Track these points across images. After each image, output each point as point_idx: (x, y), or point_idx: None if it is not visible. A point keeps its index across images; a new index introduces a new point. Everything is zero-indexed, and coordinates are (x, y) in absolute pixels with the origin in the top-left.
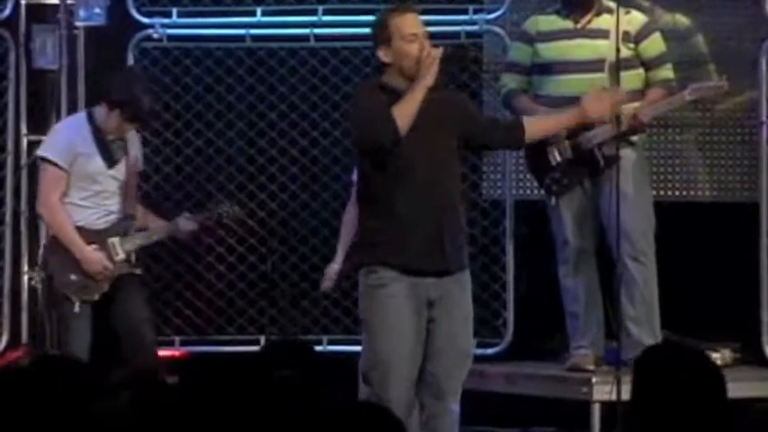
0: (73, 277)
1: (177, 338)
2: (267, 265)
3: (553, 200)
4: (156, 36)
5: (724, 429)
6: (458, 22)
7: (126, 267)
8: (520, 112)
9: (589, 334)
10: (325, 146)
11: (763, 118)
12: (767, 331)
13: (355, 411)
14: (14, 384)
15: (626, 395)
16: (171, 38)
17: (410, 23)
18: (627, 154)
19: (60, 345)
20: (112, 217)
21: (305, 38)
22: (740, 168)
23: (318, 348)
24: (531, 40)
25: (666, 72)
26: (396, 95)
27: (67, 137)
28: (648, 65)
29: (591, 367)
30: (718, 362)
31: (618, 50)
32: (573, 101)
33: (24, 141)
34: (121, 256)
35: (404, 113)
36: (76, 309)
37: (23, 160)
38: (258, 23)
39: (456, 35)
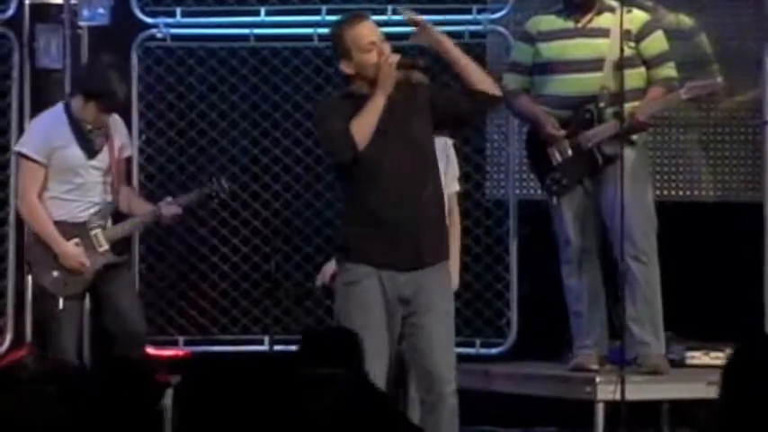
0: (55, 274)
1: (181, 338)
2: (271, 265)
3: (554, 200)
4: (159, 36)
5: None
6: (461, 21)
7: (111, 257)
8: (521, 112)
9: (593, 334)
10: None
11: (766, 117)
12: None
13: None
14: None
15: (629, 395)
16: (174, 37)
17: (366, 33)
18: (626, 153)
19: (46, 343)
20: (95, 208)
21: (308, 37)
22: (744, 168)
23: None
24: (532, 39)
25: (668, 71)
26: (366, 101)
27: (43, 131)
28: (650, 63)
29: (594, 367)
30: (722, 362)
31: (622, 50)
32: (570, 100)
33: None
34: (105, 246)
35: (362, 125)
36: (61, 305)
37: None
38: (262, 23)
39: (459, 35)
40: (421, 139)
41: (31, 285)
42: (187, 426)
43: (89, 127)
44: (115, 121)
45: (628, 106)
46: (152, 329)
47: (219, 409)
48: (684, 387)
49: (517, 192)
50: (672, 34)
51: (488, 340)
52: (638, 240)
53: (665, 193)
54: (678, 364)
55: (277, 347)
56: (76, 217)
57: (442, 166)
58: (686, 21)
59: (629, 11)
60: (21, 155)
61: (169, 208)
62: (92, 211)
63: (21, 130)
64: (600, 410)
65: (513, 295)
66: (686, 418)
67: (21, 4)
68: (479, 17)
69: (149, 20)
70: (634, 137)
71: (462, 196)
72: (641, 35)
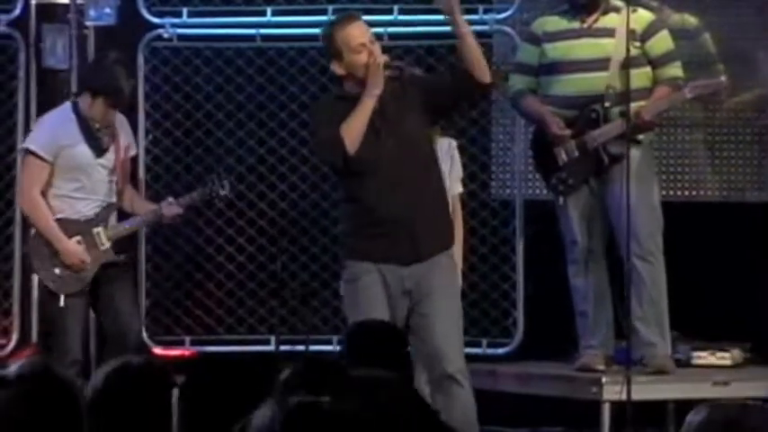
0: (56, 271)
1: (187, 338)
2: (277, 265)
3: (561, 200)
4: (166, 36)
5: None
6: (467, 21)
7: (112, 255)
8: (528, 113)
9: (599, 333)
10: None
11: None
12: None
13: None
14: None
15: (635, 395)
16: (181, 38)
17: (356, 34)
18: (632, 153)
19: (49, 341)
20: (100, 207)
21: (315, 37)
22: (749, 168)
23: (328, 348)
24: (537, 40)
25: (674, 70)
26: (357, 102)
27: (52, 129)
28: (655, 63)
29: (601, 367)
30: (728, 362)
31: (628, 50)
32: (576, 100)
33: None
34: (106, 245)
35: (351, 129)
36: (62, 303)
37: None
38: (268, 23)
39: None
40: (415, 135)
41: (38, 285)
42: (193, 425)
43: (97, 126)
44: (120, 120)
45: (634, 106)
46: (158, 329)
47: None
48: (690, 387)
49: (523, 192)
50: (676, 34)
51: (495, 340)
52: (644, 240)
53: (671, 193)
54: (684, 363)
55: (283, 347)
56: (83, 215)
57: (446, 167)
58: (691, 20)
59: (635, 10)
60: (27, 151)
61: (170, 208)
62: (96, 209)
63: (27, 130)
64: (606, 410)
65: (520, 295)
66: None
67: (27, 5)
68: (485, 17)
69: (156, 20)
70: (640, 136)
71: (468, 196)
72: (647, 35)
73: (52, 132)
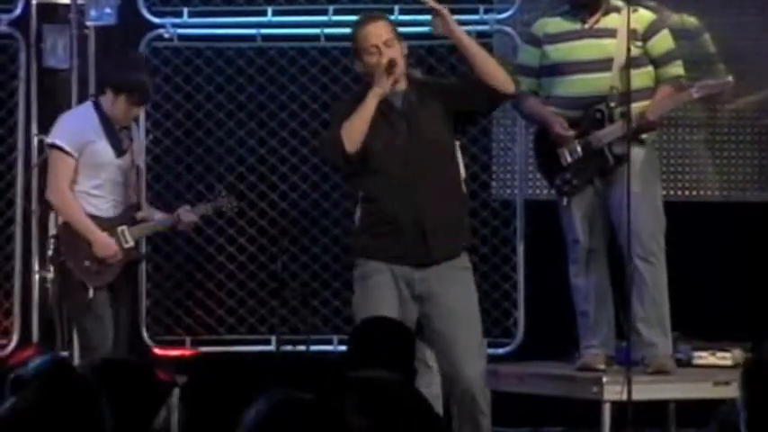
0: (86, 263)
1: (188, 338)
2: (278, 265)
3: (564, 200)
4: (166, 36)
5: None
6: (468, 21)
7: (136, 253)
8: (530, 114)
9: (599, 333)
10: None
11: None
12: None
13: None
14: None
15: (636, 395)
16: (182, 38)
17: (371, 35)
18: (636, 153)
19: (81, 333)
20: (119, 206)
21: (315, 37)
22: (750, 168)
23: (329, 348)
24: (538, 42)
25: (676, 69)
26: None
27: (77, 124)
28: (657, 62)
29: (601, 367)
30: (729, 362)
31: (629, 50)
32: (580, 101)
33: (35, 141)
34: (131, 243)
35: (351, 128)
36: (91, 295)
37: (34, 159)
38: (269, 23)
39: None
40: (433, 138)
41: (53, 282)
42: (194, 424)
43: (118, 125)
44: (134, 128)
45: (638, 105)
46: (159, 329)
47: (226, 409)
48: (691, 387)
49: (524, 192)
50: (676, 34)
51: (496, 340)
52: (646, 241)
53: (672, 192)
54: (685, 363)
55: (283, 348)
56: (104, 212)
57: None
58: (690, 20)
59: (635, 10)
60: (54, 146)
61: (188, 215)
62: (116, 208)
63: (27, 131)
64: (607, 410)
65: (521, 295)
66: (693, 419)
67: (28, 4)
68: (486, 17)
69: (156, 20)
70: (644, 136)
71: (469, 196)
72: (648, 34)
73: (77, 127)
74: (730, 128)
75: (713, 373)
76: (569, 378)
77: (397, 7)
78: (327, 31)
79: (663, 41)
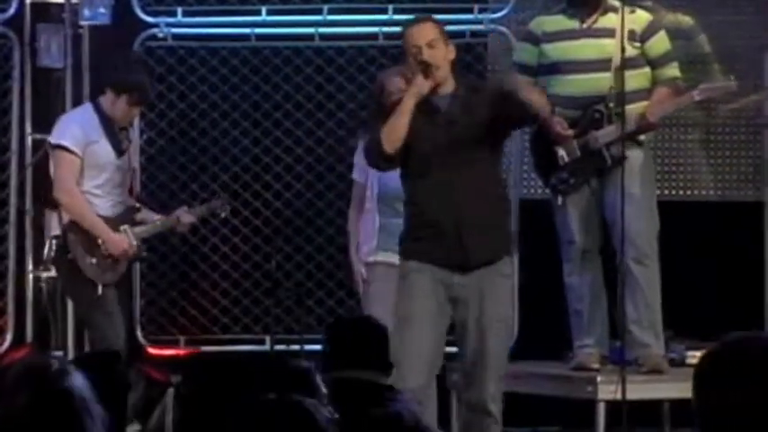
0: (94, 261)
1: (182, 338)
2: (272, 264)
3: (560, 199)
4: (160, 35)
5: None
6: (462, 21)
7: (140, 253)
8: None
9: (593, 333)
10: (331, 144)
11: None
12: None
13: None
14: None
15: (630, 394)
16: (176, 37)
17: (414, 36)
18: (635, 154)
19: (93, 331)
20: (119, 206)
21: (310, 37)
22: (745, 167)
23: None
24: (536, 40)
25: (673, 71)
26: (419, 104)
27: (80, 125)
28: (654, 63)
29: (596, 366)
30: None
31: (623, 50)
32: (578, 100)
33: (29, 140)
34: (135, 242)
35: (389, 131)
36: (99, 291)
37: (28, 159)
38: (263, 23)
39: (461, 34)
40: (473, 139)
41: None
42: (188, 424)
43: (118, 126)
44: (129, 131)
45: (636, 106)
46: (153, 328)
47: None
48: (685, 386)
49: (518, 191)
50: (672, 34)
51: None
52: (640, 243)
53: (667, 192)
54: (678, 363)
55: (277, 347)
56: (106, 211)
57: None
58: (686, 20)
59: (633, 11)
60: (59, 146)
61: (187, 216)
62: (116, 208)
63: (21, 130)
64: (601, 410)
65: (515, 294)
66: (687, 418)
67: (22, 4)
68: (480, 16)
69: (150, 19)
70: (642, 137)
71: None
72: (646, 35)
73: (81, 128)
74: (725, 127)
75: None
76: (564, 378)
77: (391, 6)
78: (322, 30)
79: (660, 43)
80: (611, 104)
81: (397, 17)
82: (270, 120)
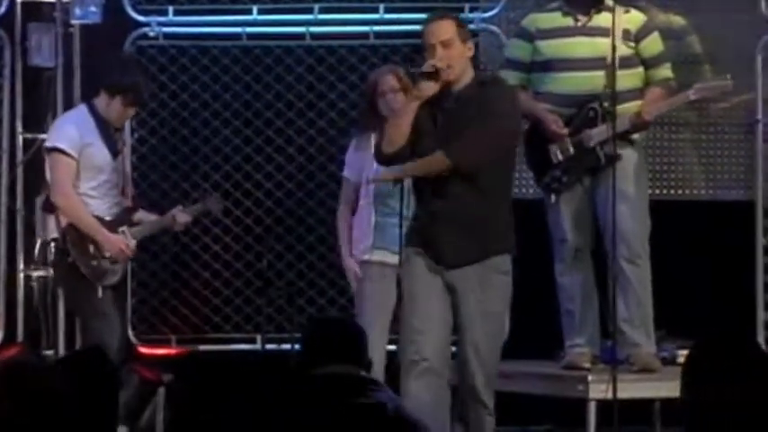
0: (93, 263)
1: (173, 337)
2: (263, 263)
3: (553, 197)
4: (152, 34)
5: None
6: None
7: (136, 253)
8: (522, 110)
9: (585, 332)
10: (322, 144)
11: (758, 116)
12: (763, 329)
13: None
14: None
15: (621, 393)
16: (167, 36)
17: (429, 33)
18: (628, 154)
19: (90, 333)
20: (115, 207)
21: (301, 36)
22: (736, 167)
23: None
24: (530, 37)
25: (666, 71)
26: (427, 102)
27: (75, 127)
28: (648, 64)
29: (587, 365)
30: None
31: (614, 48)
32: (572, 98)
33: (20, 139)
34: (132, 243)
35: (390, 130)
36: (99, 294)
37: (19, 158)
38: (254, 22)
39: None
40: None
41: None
42: (180, 423)
43: (112, 127)
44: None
45: (630, 105)
46: (144, 328)
47: (212, 408)
48: (676, 385)
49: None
50: (663, 34)
51: None
52: (632, 243)
53: (659, 191)
54: (670, 362)
55: (269, 346)
56: (103, 213)
57: None
58: (677, 20)
59: (628, 11)
60: (55, 149)
61: (182, 215)
62: (112, 210)
63: (12, 129)
64: (592, 408)
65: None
66: (678, 417)
67: (12, 3)
68: (471, 16)
69: (141, 18)
70: (635, 136)
71: None
72: (640, 35)
73: (76, 130)
74: (716, 126)
75: None
76: (555, 377)
77: (382, 6)
78: (313, 29)
79: (654, 44)
80: (606, 103)
81: (388, 16)
82: (261, 119)
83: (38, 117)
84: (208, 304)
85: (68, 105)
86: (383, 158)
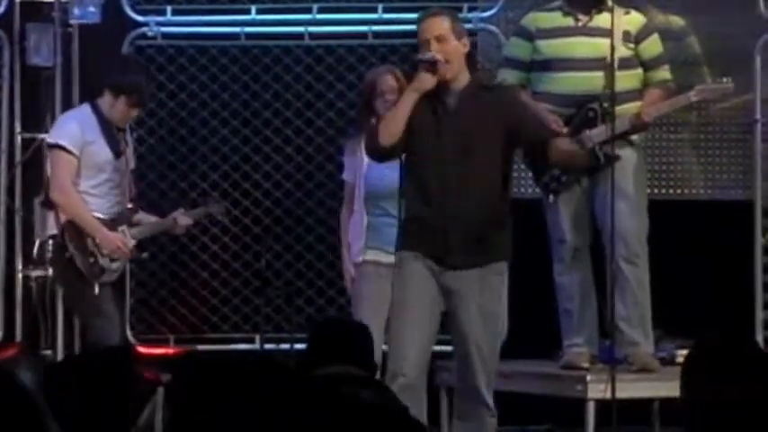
0: (91, 260)
1: (171, 336)
2: (261, 263)
3: (551, 197)
4: (150, 34)
5: None
6: None
7: (137, 253)
8: None
9: (583, 332)
10: (320, 143)
11: (757, 116)
12: (762, 329)
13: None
14: None
15: (620, 393)
16: (165, 36)
17: (423, 29)
18: (627, 154)
19: (89, 330)
20: (116, 207)
21: (299, 36)
22: (734, 167)
23: None
24: (530, 36)
25: (664, 73)
26: (427, 97)
27: (77, 124)
28: (647, 65)
29: (585, 365)
30: None
31: (613, 49)
32: (571, 98)
33: (18, 139)
34: (132, 242)
35: (386, 123)
36: (96, 291)
37: (18, 158)
38: (253, 21)
39: None
40: (479, 147)
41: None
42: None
43: (116, 127)
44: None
45: (630, 106)
46: (142, 327)
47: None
48: (674, 385)
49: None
50: (662, 35)
51: None
52: (631, 243)
53: (657, 191)
54: (668, 362)
55: (267, 346)
56: (104, 212)
57: None
58: (676, 21)
59: (628, 12)
60: (56, 146)
61: (184, 218)
62: (113, 209)
63: (11, 129)
64: (591, 408)
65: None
66: (677, 416)
67: (11, 3)
68: (470, 15)
69: (140, 18)
70: (634, 137)
71: None
72: (640, 37)
73: (78, 128)
74: (714, 127)
75: None
76: (554, 376)
77: (380, 5)
78: (311, 29)
79: (653, 45)
80: (605, 104)
81: (386, 16)
82: (259, 118)
83: (36, 117)
84: (206, 304)
85: (67, 105)
86: (378, 151)
